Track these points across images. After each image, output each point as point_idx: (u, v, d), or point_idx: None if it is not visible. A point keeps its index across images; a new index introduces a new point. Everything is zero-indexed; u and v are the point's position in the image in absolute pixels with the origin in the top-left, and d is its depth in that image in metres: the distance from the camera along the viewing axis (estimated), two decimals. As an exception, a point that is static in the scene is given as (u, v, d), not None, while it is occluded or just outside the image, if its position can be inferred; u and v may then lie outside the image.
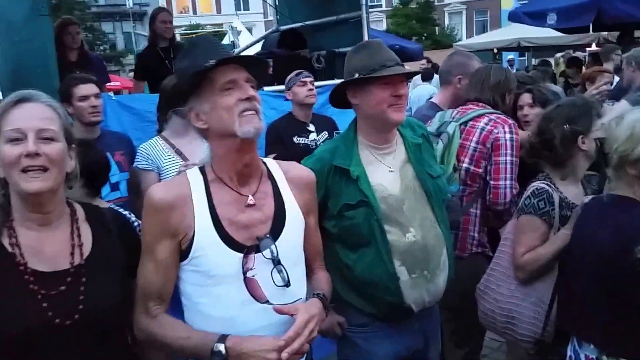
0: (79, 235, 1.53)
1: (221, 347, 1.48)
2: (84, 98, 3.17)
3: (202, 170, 1.65)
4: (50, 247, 1.47)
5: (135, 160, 3.22)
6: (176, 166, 3.10)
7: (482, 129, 2.70)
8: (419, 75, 8.65)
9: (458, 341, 2.90)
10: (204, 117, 1.59)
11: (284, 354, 1.47)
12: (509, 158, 2.64)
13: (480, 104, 2.83)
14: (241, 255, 1.55)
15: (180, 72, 1.68)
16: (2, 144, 1.40)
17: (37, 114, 1.44)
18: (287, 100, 4.08)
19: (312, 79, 4.01)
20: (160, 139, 3.29)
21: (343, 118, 3.41)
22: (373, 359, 2.07)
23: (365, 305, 2.05)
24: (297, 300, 1.62)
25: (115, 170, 3.22)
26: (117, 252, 1.58)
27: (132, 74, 6.42)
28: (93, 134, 3.27)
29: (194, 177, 1.62)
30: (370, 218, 1.97)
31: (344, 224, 2.00)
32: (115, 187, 3.27)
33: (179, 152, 3.25)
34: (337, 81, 2.13)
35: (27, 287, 1.39)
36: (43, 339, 1.38)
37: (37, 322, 1.37)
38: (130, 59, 20.87)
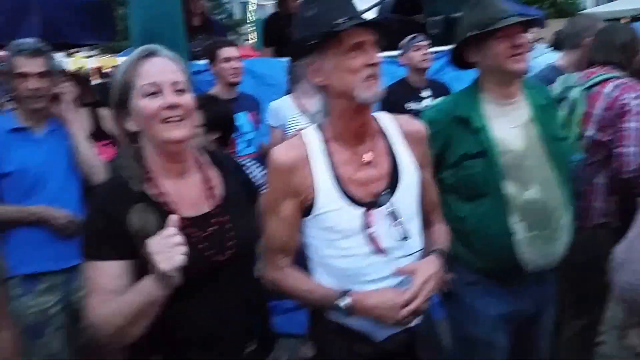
0: (210, 179, 1.60)
1: (343, 303, 1.56)
2: (228, 60, 3.45)
3: (319, 128, 1.67)
4: (189, 193, 1.55)
5: (266, 116, 3.46)
6: (298, 125, 3.26)
7: (609, 94, 2.52)
8: (545, 44, 8.13)
9: (576, 313, 2.77)
10: (324, 73, 1.58)
11: (404, 311, 1.53)
12: (635, 124, 2.45)
13: (606, 67, 2.63)
14: (362, 211, 1.59)
15: (305, 21, 1.62)
16: (139, 98, 1.46)
17: (168, 67, 1.49)
18: (401, 65, 4.04)
19: (427, 43, 3.93)
20: (290, 98, 3.49)
21: (458, 85, 3.32)
22: (481, 318, 2.03)
23: (477, 260, 2.02)
24: (415, 253, 1.66)
25: (250, 128, 3.48)
26: (241, 191, 1.67)
27: (248, 42, 6.61)
28: (231, 94, 3.54)
29: (311, 137, 1.65)
30: (489, 169, 1.94)
31: (461, 173, 1.98)
32: (249, 143, 3.55)
33: (306, 112, 3.38)
34: (452, 46, 2.08)
35: (183, 233, 1.42)
36: (205, 278, 1.49)
37: (198, 263, 1.44)
38: (245, 29, 21.49)
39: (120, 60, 15.90)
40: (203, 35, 4.57)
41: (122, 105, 1.49)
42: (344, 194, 1.59)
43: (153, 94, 1.45)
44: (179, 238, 1.33)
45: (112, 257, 1.44)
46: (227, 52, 3.51)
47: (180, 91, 1.48)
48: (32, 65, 2.47)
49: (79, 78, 3.83)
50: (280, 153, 1.63)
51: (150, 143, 1.51)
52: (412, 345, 1.66)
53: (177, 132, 1.46)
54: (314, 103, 3.33)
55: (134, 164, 1.51)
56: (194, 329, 1.49)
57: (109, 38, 3.97)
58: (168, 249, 1.32)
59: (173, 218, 1.37)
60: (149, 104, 1.45)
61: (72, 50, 13.88)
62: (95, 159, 2.65)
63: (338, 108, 1.62)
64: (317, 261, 1.68)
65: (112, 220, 1.43)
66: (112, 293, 1.42)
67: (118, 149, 1.60)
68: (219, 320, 1.52)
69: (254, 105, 3.65)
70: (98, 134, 3.18)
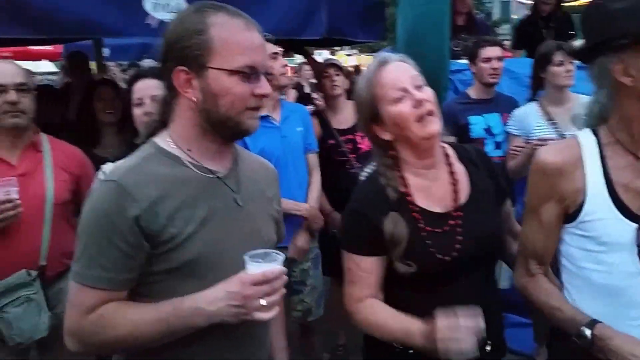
0: (456, 175, 1.63)
1: (588, 332, 1.41)
2: (487, 60, 3.39)
3: (595, 132, 1.53)
4: (436, 189, 1.61)
5: (508, 122, 3.32)
6: (544, 134, 3.08)
7: None
8: None
9: None
10: (634, 73, 1.38)
11: None
12: None
13: None
14: (636, 226, 1.42)
15: (612, 14, 1.38)
16: (388, 106, 1.54)
17: (402, 68, 1.57)
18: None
19: None
20: (536, 105, 3.30)
21: None
22: None
23: None
24: None
25: (501, 130, 3.39)
26: (487, 184, 1.66)
27: (507, 42, 6.34)
28: (488, 94, 3.47)
29: (586, 140, 1.53)
30: None
31: None
32: (498, 145, 3.45)
33: (552, 121, 3.19)
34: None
35: (417, 225, 1.55)
36: (437, 274, 1.54)
37: (426, 259, 1.53)
38: (504, 29, 20.62)
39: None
40: (466, 34, 4.52)
41: (373, 119, 1.58)
42: (617, 203, 1.44)
43: (399, 98, 1.52)
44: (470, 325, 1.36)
45: (368, 253, 1.59)
46: (488, 52, 3.42)
47: (420, 87, 1.54)
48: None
49: (349, 74, 4.13)
50: (550, 154, 1.54)
51: (404, 146, 1.58)
52: None
53: (432, 126, 1.52)
54: (561, 111, 3.11)
55: (390, 172, 1.60)
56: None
57: (381, 37, 4.16)
58: (459, 334, 1.35)
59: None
60: (400, 108, 1.52)
61: (335, 48, 14.96)
62: None
63: (634, 111, 1.44)
64: (573, 272, 1.55)
65: (370, 220, 1.56)
66: (368, 285, 1.59)
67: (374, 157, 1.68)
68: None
69: (511, 107, 3.51)
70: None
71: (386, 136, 1.59)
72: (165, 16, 2.84)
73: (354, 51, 18.77)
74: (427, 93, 1.54)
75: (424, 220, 1.56)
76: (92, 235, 1.23)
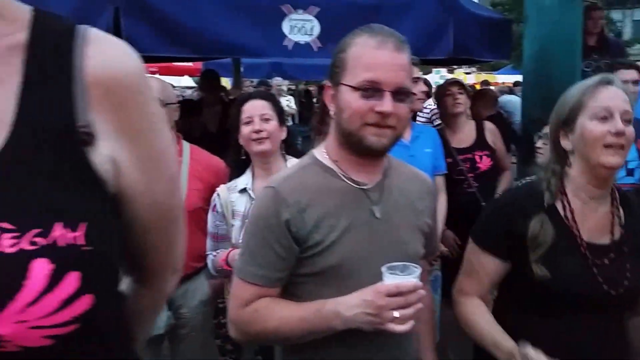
0: (618, 214, 1.56)
1: None
2: (624, 82, 3.20)
3: None
4: (594, 220, 1.53)
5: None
6: None
7: None
8: None
9: None
10: None
11: None
12: None
13: None
14: None
15: None
16: (588, 119, 1.47)
17: (620, 96, 1.49)
18: None
19: None
20: None
21: None
22: None
23: None
24: None
25: (634, 157, 3.18)
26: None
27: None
28: None
29: None
30: None
31: None
32: (630, 172, 3.25)
33: None
34: None
35: (575, 249, 1.50)
36: (595, 304, 1.49)
37: (589, 287, 1.48)
38: (636, 49, 19.20)
39: (499, 77, 16.21)
40: (598, 55, 4.30)
41: (566, 123, 1.53)
42: None
43: (603, 118, 1.46)
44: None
45: (494, 253, 1.57)
46: (623, 74, 3.21)
47: (627, 121, 1.47)
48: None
49: (479, 93, 4.08)
50: None
51: (580, 164, 1.52)
52: None
53: (614, 159, 1.45)
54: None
55: (553, 180, 1.54)
56: (569, 348, 1.47)
57: (506, 56, 4.07)
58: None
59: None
60: (597, 127, 1.46)
61: (454, 67, 14.72)
62: None
63: None
64: None
65: (511, 220, 1.53)
66: (481, 283, 1.60)
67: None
68: (595, 348, 1.48)
69: (646, 133, 3.27)
70: (480, 144, 3.35)
71: (567, 146, 1.54)
72: (301, 38, 3.00)
73: (473, 69, 18.32)
74: (630, 131, 1.47)
75: (588, 249, 1.50)
76: (253, 235, 1.35)
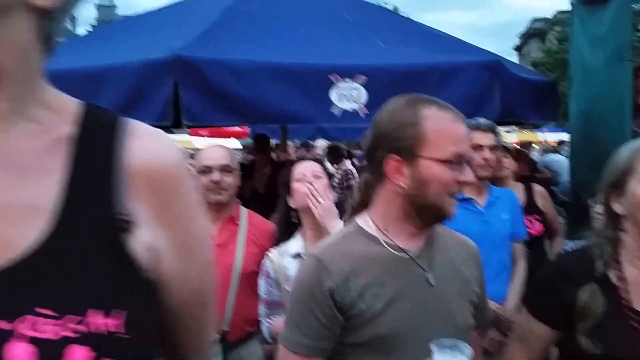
0: None
1: None
2: None
3: None
4: None
5: None
6: None
7: None
8: None
9: None
10: None
11: None
12: None
13: None
14: None
15: None
16: (637, 183, 1.41)
17: None
18: None
19: None
20: None
21: None
22: None
23: None
24: None
25: None
26: None
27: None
28: None
29: None
30: None
31: None
32: None
33: None
34: None
35: (628, 323, 1.41)
36: None
37: (633, 357, 1.39)
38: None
39: (540, 135, 15.91)
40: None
41: (617, 186, 1.47)
42: None
43: None
44: None
45: (544, 321, 1.51)
46: None
47: None
48: (484, 139, 2.70)
49: (517, 153, 4.00)
50: None
51: (633, 229, 1.45)
52: None
53: None
54: None
55: (606, 246, 1.47)
56: None
57: (554, 117, 4.01)
58: None
59: None
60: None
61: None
62: None
63: None
64: None
65: (561, 290, 1.47)
66: (532, 350, 1.54)
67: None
68: None
69: None
70: (530, 208, 3.23)
71: (619, 210, 1.47)
72: (348, 106, 3.04)
73: (514, 127, 18.10)
74: None
75: (636, 319, 1.41)
76: (297, 303, 1.34)
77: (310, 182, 2.22)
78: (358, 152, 9.36)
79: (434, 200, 1.31)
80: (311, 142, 8.85)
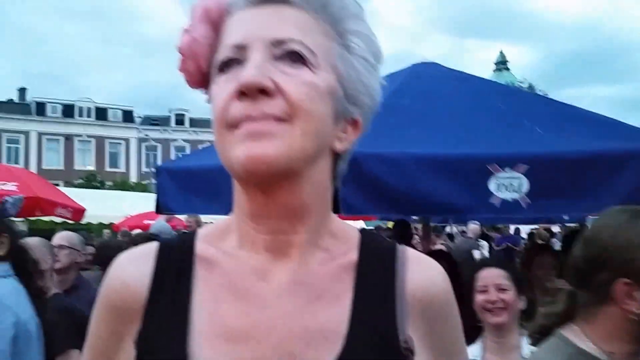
0: None
1: None
2: None
3: None
4: None
5: None
6: None
7: None
8: None
9: None
10: None
11: None
12: None
13: None
14: None
15: None
16: None
17: None
18: None
19: None
20: None
21: None
22: None
23: None
24: None
25: None
26: None
27: None
28: None
29: None
30: None
31: None
32: None
33: None
34: None
35: None
36: None
37: None
38: None
39: None
40: None
41: (624, 273, 1.25)
42: None
43: None
44: None
45: None
46: None
47: None
48: None
49: None
50: None
51: None
52: None
53: None
54: None
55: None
56: None
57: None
58: None
59: None
60: None
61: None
62: None
63: None
64: None
65: None
66: None
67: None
68: None
69: None
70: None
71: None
72: (509, 196, 2.89)
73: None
74: None
75: None
76: None
77: (493, 300, 2.08)
78: (495, 234, 8.93)
79: None
80: (442, 226, 8.64)
